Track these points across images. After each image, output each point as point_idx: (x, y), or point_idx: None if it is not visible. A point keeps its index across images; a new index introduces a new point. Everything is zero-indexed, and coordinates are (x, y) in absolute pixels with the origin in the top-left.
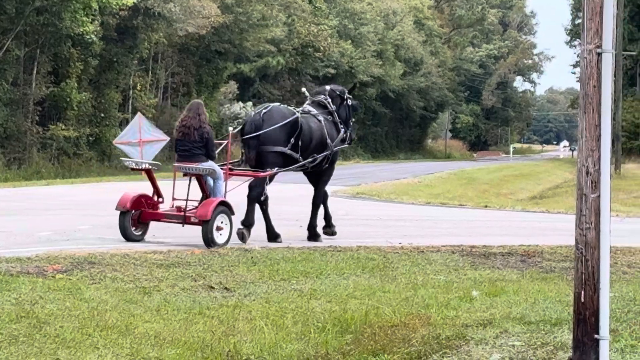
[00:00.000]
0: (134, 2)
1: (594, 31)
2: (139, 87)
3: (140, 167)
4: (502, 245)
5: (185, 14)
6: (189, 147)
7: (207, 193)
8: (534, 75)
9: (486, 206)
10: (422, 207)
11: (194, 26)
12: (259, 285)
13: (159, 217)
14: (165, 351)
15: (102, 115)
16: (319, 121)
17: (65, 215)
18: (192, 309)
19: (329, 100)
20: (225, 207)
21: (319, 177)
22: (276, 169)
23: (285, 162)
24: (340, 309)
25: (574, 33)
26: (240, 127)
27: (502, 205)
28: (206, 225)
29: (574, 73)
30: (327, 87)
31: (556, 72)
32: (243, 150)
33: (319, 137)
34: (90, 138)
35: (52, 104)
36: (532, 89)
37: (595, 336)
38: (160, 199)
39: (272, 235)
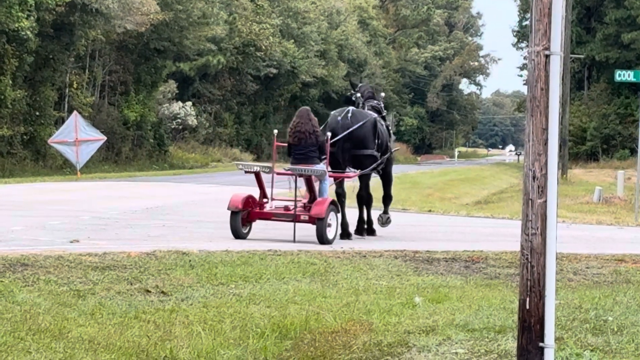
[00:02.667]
0: None
1: (542, 33)
2: (75, 85)
3: (252, 170)
4: (445, 250)
5: (124, 11)
6: (305, 151)
7: (315, 194)
8: (480, 78)
9: (430, 210)
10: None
11: (132, 23)
12: (196, 290)
13: (268, 216)
14: (100, 356)
15: (37, 113)
16: (382, 124)
17: None
18: (127, 313)
19: (382, 105)
20: (334, 206)
21: (384, 179)
22: (358, 171)
23: (373, 162)
24: (279, 314)
25: (522, 35)
26: (329, 131)
27: (447, 210)
28: (321, 222)
29: (521, 76)
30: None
31: (503, 75)
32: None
33: (385, 139)
34: (25, 137)
35: None
36: (478, 92)
37: (540, 344)
38: (265, 200)
39: (346, 233)
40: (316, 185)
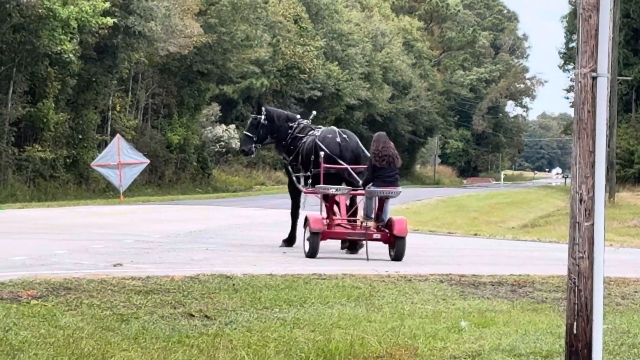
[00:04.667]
0: (114, 22)
1: (589, 54)
2: (118, 108)
3: (341, 192)
4: (492, 274)
5: (167, 33)
6: (393, 174)
7: (384, 214)
8: (526, 100)
9: (476, 234)
10: (409, 235)
11: (175, 46)
12: (240, 314)
13: (342, 236)
14: None
15: (80, 136)
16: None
17: (41, 239)
18: (171, 337)
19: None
20: None
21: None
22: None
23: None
24: (324, 338)
25: (568, 57)
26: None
27: (493, 234)
28: (402, 241)
29: (568, 98)
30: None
31: (549, 97)
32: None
33: None
34: (68, 160)
35: (28, 125)
36: (524, 114)
37: None
38: (337, 219)
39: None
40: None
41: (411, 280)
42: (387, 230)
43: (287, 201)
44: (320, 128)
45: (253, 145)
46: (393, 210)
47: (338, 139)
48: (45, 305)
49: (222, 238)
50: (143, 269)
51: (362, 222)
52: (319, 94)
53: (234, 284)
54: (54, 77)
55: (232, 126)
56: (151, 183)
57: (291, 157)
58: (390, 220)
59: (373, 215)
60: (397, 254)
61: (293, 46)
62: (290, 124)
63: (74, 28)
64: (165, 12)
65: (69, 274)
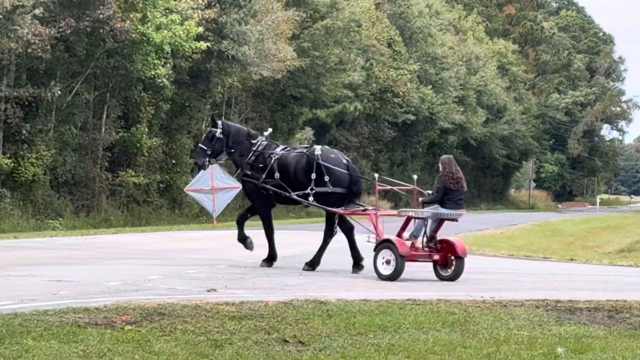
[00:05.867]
0: (207, 46)
1: None
2: None
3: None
4: (588, 300)
5: (260, 58)
6: (462, 197)
7: (433, 234)
8: (622, 124)
9: (572, 259)
10: (504, 260)
11: (269, 70)
12: (334, 339)
13: (415, 259)
14: None
15: (174, 161)
16: None
17: (135, 264)
18: None
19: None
20: None
21: None
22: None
23: None
24: None
25: None
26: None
27: (589, 259)
28: (463, 261)
29: None
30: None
31: None
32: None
33: None
34: (161, 185)
35: (121, 150)
36: (620, 138)
37: None
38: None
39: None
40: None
41: (507, 305)
42: (442, 252)
43: (381, 226)
44: (278, 144)
45: (207, 159)
46: (486, 234)
47: (343, 160)
48: (139, 331)
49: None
50: (237, 295)
51: (411, 243)
52: (412, 117)
53: (327, 310)
54: (148, 101)
55: None
56: (244, 208)
57: (264, 175)
58: (446, 241)
59: (422, 237)
60: (456, 274)
61: (387, 70)
62: (253, 141)
63: (167, 53)
64: (259, 36)
65: (162, 300)
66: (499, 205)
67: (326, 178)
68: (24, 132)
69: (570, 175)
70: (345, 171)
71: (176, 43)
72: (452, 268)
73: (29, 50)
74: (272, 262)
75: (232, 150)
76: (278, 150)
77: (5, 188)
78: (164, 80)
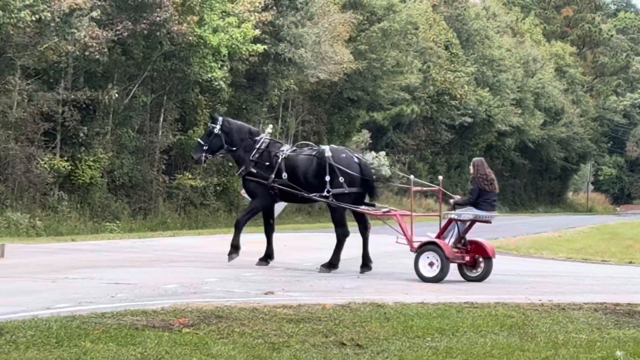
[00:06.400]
0: (264, 48)
1: None
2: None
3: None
4: None
5: (317, 60)
6: (496, 198)
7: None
8: None
9: (631, 262)
10: (562, 263)
11: (326, 73)
12: (392, 342)
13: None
14: None
15: (230, 164)
16: None
17: (192, 267)
18: None
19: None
20: None
21: None
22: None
23: None
24: None
25: None
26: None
27: None
28: (491, 262)
29: None
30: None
31: None
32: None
33: None
34: (218, 188)
35: (179, 152)
36: None
37: None
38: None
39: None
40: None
41: (565, 309)
42: (471, 252)
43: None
44: (282, 143)
45: (203, 154)
46: (544, 237)
47: (355, 159)
48: (197, 334)
49: (373, 266)
50: (294, 297)
51: None
52: (469, 120)
53: (385, 313)
54: (205, 104)
55: (382, 153)
56: (301, 211)
57: (273, 175)
58: (475, 242)
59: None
60: (485, 275)
61: (444, 72)
62: (256, 138)
63: (224, 55)
64: (316, 39)
65: (220, 302)
66: (557, 208)
67: (341, 179)
68: (82, 135)
69: (629, 178)
70: (357, 171)
71: (233, 46)
72: (481, 268)
73: (86, 53)
74: (269, 261)
75: (235, 148)
76: (284, 149)
77: (63, 191)
78: (221, 83)
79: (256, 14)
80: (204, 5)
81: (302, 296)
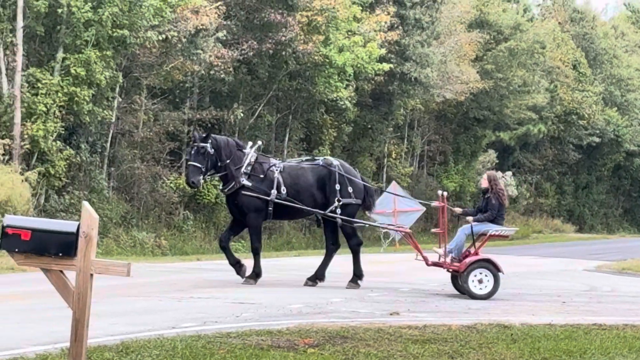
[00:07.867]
0: (390, 67)
1: None
2: (393, 155)
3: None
4: None
5: (443, 80)
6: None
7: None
8: None
9: None
10: None
11: (452, 92)
12: None
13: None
14: None
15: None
16: None
17: (317, 287)
18: None
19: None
20: None
21: None
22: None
23: None
24: None
25: None
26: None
27: None
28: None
29: None
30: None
31: None
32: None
33: None
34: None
35: None
36: None
37: None
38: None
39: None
40: None
41: None
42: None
43: (566, 250)
44: (269, 156)
45: (202, 176)
46: None
47: (357, 172)
48: (322, 354)
49: (501, 287)
50: (420, 318)
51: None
52: (597, 140)
53: (512, 334)
54: (330, 124)
55: (509, 173)
56: (427, 231)
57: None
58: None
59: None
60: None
61: (571, 92)
62: (244, 151)
63: (350, 75)
64: (442, 58)
65: (345, 323)
66: None
67: (349, 189)
68: None
69: None
70: (361, 183)
71: (359, 65)
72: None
73: (212, 73)
74: (258, 278)
75: (222, 164)
76: (276, 162)
77: (188, 210)
78: (346, 102)
79: (382, 33)
80: (330, 25)
81: (427, 317)
